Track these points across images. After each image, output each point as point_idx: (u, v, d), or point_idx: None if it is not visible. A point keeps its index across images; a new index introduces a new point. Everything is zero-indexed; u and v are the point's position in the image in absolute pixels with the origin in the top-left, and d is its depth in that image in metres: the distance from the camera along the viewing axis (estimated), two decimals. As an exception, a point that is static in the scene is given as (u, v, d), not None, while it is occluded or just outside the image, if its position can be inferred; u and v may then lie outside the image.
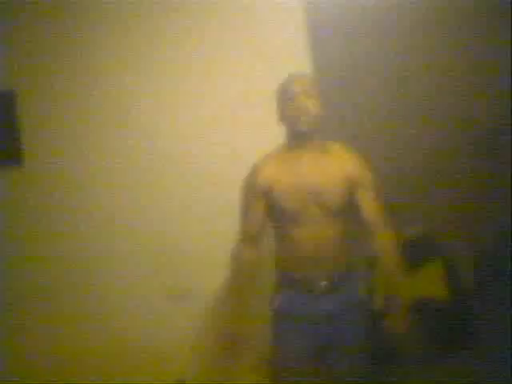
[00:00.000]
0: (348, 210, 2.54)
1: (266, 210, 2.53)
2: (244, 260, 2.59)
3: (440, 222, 4.58)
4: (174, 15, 3.17)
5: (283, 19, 3.17)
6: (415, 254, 4.07)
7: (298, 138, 2.50)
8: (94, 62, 3.17)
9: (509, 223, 4.57)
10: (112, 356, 3.16)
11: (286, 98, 2.49)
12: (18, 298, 3.15)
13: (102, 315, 3.18)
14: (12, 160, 3.14)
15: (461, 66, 4.85)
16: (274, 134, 2.91)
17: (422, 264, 4.00)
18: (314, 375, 2.57)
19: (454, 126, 4.88)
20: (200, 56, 3.16)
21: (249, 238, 2.58)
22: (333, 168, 2.50)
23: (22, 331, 3.15)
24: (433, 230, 4.34)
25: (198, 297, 3.22)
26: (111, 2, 3.16)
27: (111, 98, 3.18)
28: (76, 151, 3.18)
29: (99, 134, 3.18)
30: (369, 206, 2.54)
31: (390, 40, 4.72)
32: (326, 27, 4.39)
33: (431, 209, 4.73)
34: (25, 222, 3.16)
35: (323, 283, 2.50)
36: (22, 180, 3.16)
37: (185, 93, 3.17)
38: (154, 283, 3.21)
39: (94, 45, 3.16)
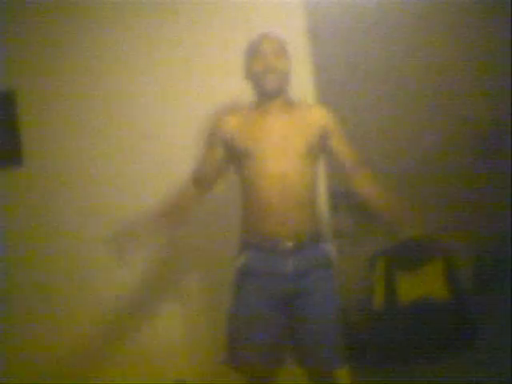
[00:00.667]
0: (315, 162, 2.53)
1: (226, 157, 2.55)
2: (187, 194, 2.61)
3: (440, 222, 4.57)
4: (174, 15, 3.17)
5: (283, 19, 3.17)
6: (415, 253, 4.07)
7: (265, 96, 2.50)
8: (94, 61, 3.17)
9: (509, 223, 4.57)
10: (111, 356, 3.16)
11: (253, 55, 2.50)
12: (17, 297, 3.15)
13: (101, 315, 3.18)
14: (12, 160, 3.14)
15: (461, 66, 4.85)
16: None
17: (422, 264, 4.00)
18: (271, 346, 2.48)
19: (454, 126, 4.89)
20: (200, 56, 3.16)
21: (197, 180, 2.59)
22: (300, 119, 2.51)
23: (20, 330, 3.15)
24: (433, 230, 4.34)
25: (197, 296, 3.22)
26: (111, 1, 3.16)
27: (111, 97, 3.18)
28: (76, 151, 3.18)
29: (99, 134, 3.18)
30: (344, 149, 2.55)
31: (390, 40, 4.72)
32: (325, 27, 4.40)
33: (431, 209, 4.73)
34: (25, 221, 3.16)
35: (290, 243, 2.45)
36: (22, 180, 3.16)
37: (185, 93, 3.16)
38: (154, 283, 3.21)
39: (94, 45, 3.16)
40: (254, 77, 2.51)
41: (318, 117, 2.54)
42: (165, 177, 3.17)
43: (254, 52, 2.51)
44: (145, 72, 3.17)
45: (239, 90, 3.06)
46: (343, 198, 4.50)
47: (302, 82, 3.16)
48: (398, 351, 3.80)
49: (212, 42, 3.16)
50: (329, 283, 2.54)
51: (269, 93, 2.49)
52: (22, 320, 3.16)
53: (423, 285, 3.93)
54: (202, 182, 2.59)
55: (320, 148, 2.54)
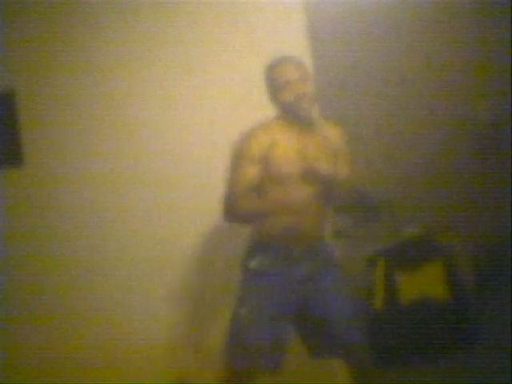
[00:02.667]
0: None
1: (259, 175, 2.53)
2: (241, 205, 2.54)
3: (440, 222, 4.58)
4: (173, 15, 3.17)
5: (283, 19, 3.17)
6: (415, 253, 4.08)
7: (295, 120, 2.56)
8: (94, 61, 3.17)
9: (509, 223, 4.57)
10: (111, 356, 3.16)
11: (281, 83, 2.52)
12: (17, 297, 3.15)
13: (101, 315, 3.18)
14: (12, 160, 3.14)
15: (461, 66, 4.85)
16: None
17: (422, 264, 3.99)
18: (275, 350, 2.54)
19: (454, 125, 4.89)
20: (200, 56, 3.16)
21: (230, 208, 2.53)
22: (323, 141, 2.60)
23: (20, 331, 3.15)
24: (433, 229, 4.34)
25: (197, 297, 3.22)
26: (111, 2, 3.16)
27: (111, 97, 3.18)
28: (76, 151, 3.18)
29: (99, 134, 3.18)
30: (344, 171, 2.64)
31: (390, 40, 4.72)
32: (326, 27, 4.40)
33: (431, 209, 4.73)
34: (25, 222, 3.16)
35: (299, 250, 2.56)
36: (22, 180, 3.16)
37: (184, 93, 3.17)
38: (153, 283, 3.21)
39: (94, 44, 3.17)
40: (284, 104, 2.54)
41: (335, 138, 2.66)
42: (165, 176, 3.17)
43: (279, 79, 2.52)
44: (145, 72, 3.17)
45: (239, 89, 3.08)
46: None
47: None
48: (398, 351, 3.80)
49: (212, 42, 3.16)
50: (338, 281, 2.67)
51: (302, 119, 2.55)
52: (22, 320, 3.16)
53: (423, 285, 3.93)
54: (235, 209, 2.53)
55: None
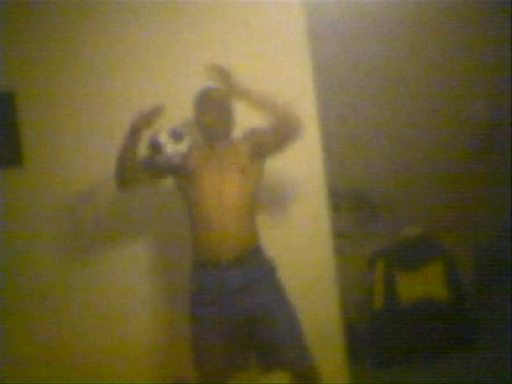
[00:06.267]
0: (253, 179, 2.78)
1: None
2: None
3: (440, 222, 4.58)
4: (173, 15, 3.17)
5: (283, 19, 3.17)
6: (415, 253, 4.08)
7: (209, 140, 2.84)
8: (94, 61, 3.17)
9: (509, 223, 4.57)
10: (111, 356, 3.16)
11: (200, 108, 2.84)
12: (17, 298, 3.15)
13: (101, 315, 3.18)
14: (12, 160, 3.14)
15: (461, 66, 4.86)
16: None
17: (422, 264, 4.00)
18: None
19: (453, 125, 4.89)
20: (200, 56, 3.16)
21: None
22: (237, 147, 2.81)
23: (20, 331, 3.15)
24: (433, 229, 4.35)
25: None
26: (111, 2, 3.16)
27: (111, 98, 3.18)
28: (76, 151, 3.18)
29: (99, 134, 3.18)
30: (263, 134, 2.80)
31: (390, 40, 4.73)
32: (326, 27, 4.40)
33: (431, 209, 4.74)
34: (25, 221, 3.16)
35: (229, 257, 2.65)
36: (21, 180, 3.16)
37: (184, 93, 3.16)
38: (153, 282, 3.21)
39: (94, 45, 3.16)
40: (201, 126, 2.84)
41: (242, 146, 2.81)
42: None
43: (199, 105, 2.85)
44: (145, 72, 3.17)
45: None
46: (343, 198, 4.51)
47: (302, 82, 3.16)
48: (398, 351, 3.80)
49: (212, 42, 3.16)
50: (276, 294, 2.72)
51: (213, 139, 2.83)
52: (21, 320, 3.16)
53: (423, 285, 3.93)
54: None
55: (257, 160, 2.79)
